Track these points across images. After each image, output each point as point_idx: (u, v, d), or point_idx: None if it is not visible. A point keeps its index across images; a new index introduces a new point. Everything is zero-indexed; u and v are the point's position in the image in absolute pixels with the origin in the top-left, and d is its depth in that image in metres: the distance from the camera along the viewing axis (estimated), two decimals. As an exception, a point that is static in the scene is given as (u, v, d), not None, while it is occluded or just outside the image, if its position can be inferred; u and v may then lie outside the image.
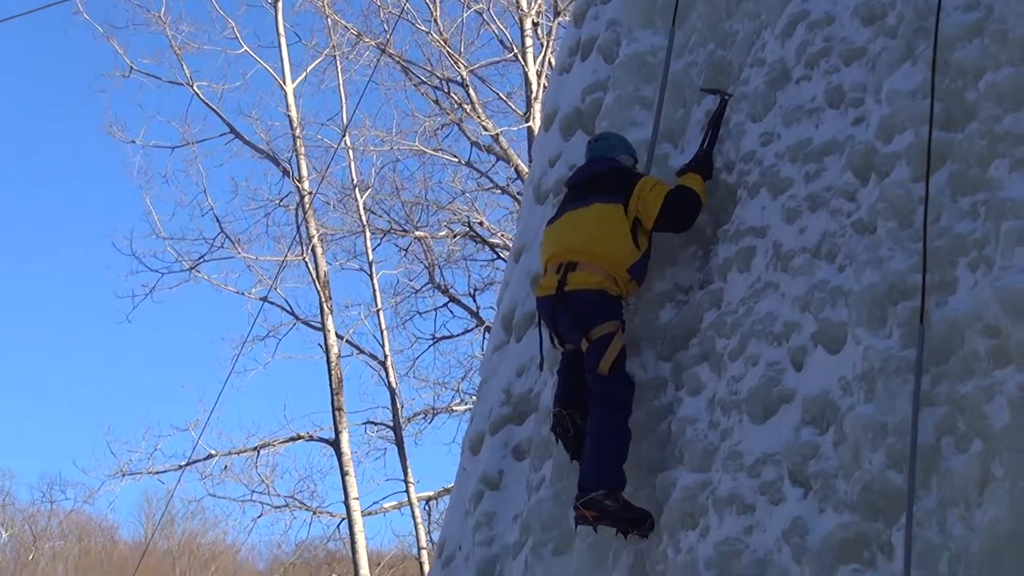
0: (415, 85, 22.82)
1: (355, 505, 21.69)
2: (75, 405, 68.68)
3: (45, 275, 69.15)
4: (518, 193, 21.35)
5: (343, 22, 23.46)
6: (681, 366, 6.03)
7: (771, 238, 5.82)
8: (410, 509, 22.34)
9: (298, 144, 23.03)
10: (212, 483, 23.53)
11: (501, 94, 22.43)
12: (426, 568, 21.48)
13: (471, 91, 22.01)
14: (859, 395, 4.94)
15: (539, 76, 21.23)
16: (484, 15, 22.32)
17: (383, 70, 22.84)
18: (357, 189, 23.14)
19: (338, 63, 23.67)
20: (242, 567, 47.23)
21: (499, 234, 22.09)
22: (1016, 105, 4.89)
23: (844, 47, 5.96)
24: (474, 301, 22.65)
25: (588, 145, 6.69)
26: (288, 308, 23.03)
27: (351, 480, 21.77)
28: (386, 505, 22.76)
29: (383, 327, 22.82)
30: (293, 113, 23.22)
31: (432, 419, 22.96)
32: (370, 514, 22.32)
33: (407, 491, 22.30)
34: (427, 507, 22.74)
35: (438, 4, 22.46)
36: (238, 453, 23.08)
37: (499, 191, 22.59)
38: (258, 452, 23.04)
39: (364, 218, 22.94)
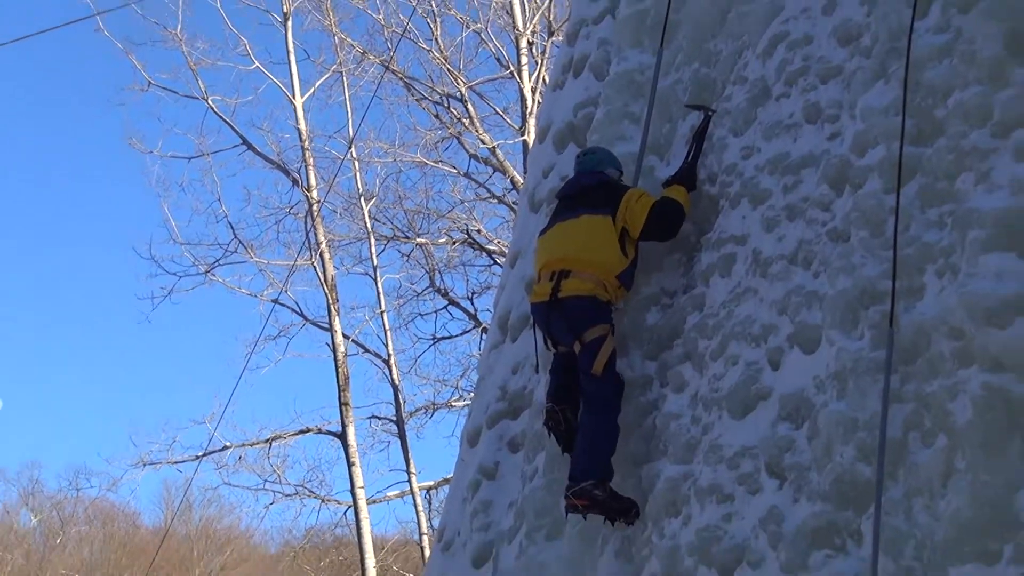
0: (417, 100, 22.81)
1: (361, 494, 21.66)
2: (99, 400, 68.48)
3: (69, 278, 68.98)
4: (514, 202, 21.29)
5: (349, 40, 23.51)
6: (666, 365, 6.04)
7: (751, 246, 5.82)
8: (412, 497, 22.30)
9: (307, 155, 23.01)
10: (227, 472, 23.66)
11: (498, 109, 22.45)
12: (427, 552, 21.45)
13: (470, 106, 21.98)
14: (832, 393, 4.94)
15: (534, 92, 21.20)
16: (482, 34, 22.32)
17: (387, 86, 22.87)
18: (362, 198, 23.16)
19: (344, 79, 23.72)
20: (255, 551, 47.12)
21: (496, 241, 22.08)
22: (982, 122, 4.87)
23: (821, 66, 5.96)
24: (472, 304, 22.65)
25: (577, 159, 6.67)
26: (298, 310, 23.04)
27: (357, 470, 21.75)
28: (390, 494, 22.77)
29: (387, 328, 22.79)
30: (302, 126, 23.21)
31: (433, 414, 22.94)
32: (375, 502, 22.29)
33: (409, 481, 22.27)
34: (428, 496, 22.72)
35: (439, 24, 22.47)
36: (251, 445, 23.04)
37: (496, 200, 22.56)
38: (270, 444, 23.00)
39: (369, 225, 22.94)
